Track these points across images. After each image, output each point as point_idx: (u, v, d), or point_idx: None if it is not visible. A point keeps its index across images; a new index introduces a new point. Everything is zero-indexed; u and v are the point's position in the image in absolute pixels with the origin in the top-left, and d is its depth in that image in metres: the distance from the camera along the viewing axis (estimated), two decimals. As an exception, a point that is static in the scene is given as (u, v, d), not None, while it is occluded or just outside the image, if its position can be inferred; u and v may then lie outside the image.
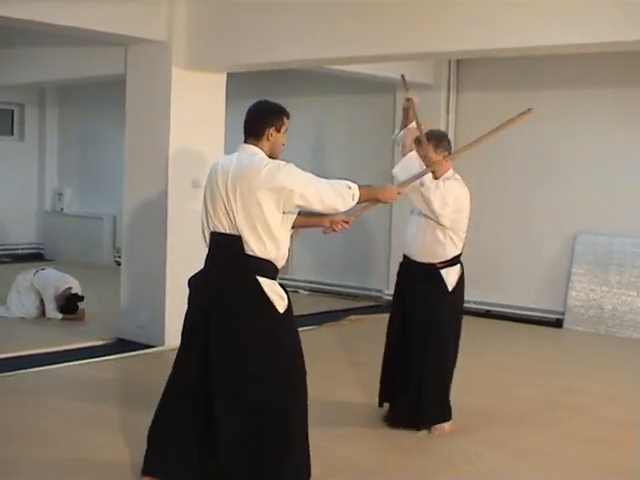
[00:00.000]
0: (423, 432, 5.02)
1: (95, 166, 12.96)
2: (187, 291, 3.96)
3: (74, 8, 6.26)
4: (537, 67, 8.76)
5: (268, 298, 3.74)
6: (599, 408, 5.81)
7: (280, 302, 3.78)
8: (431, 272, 5.03)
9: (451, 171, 5.05)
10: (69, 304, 8.20)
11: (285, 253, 3.85)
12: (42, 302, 8.29)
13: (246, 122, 3.94)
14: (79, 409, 5.39)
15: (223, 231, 3.79)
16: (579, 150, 8.79)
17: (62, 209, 13.34)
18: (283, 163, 3.77)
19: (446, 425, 5.07)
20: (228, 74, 7.39)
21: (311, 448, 3.85)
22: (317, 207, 3.81)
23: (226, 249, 3.80)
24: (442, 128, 9.35)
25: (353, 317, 8.83)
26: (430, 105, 9.32)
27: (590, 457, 4.80)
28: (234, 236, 3.75)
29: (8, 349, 6.83)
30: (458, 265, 5.10)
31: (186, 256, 6.48)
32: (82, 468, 4.35)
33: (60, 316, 8.17)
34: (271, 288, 3.77)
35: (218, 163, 3.91)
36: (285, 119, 3.95)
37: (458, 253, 5.08)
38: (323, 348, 7.33)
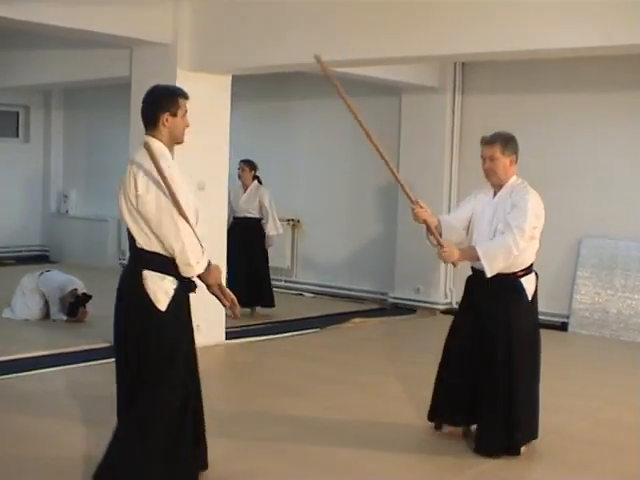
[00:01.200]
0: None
1: (100, 168, 12.96)
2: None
3: (79, 10, 6.27)
4: (542, 70, 8.74)
5: (147, 293, 3.65)
6: (602, 411, 5.81)
7: (163, 298, 3.66)
8: (511, 283, 4.72)
9: (515, 177, 4.85)
10: (78, 303, 8.20)
11: (178, 245, 3.61)
12: (47, 304, 8.30)
13: (141, 113, 3.78)
14: (82, 411, 5.39)
15: (128, 226, 3.76)
16: (585, 153, 8.77)
17: (67, 211, 13.36)
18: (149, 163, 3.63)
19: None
20: (233, 76, 7.39)
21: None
22: (154, 226, 3.62)
23: (130, 243, 3.80)
24: (447, 130, 9.39)
25: (357, 320, 8.81)
26: (436, 107, 9.33)
27: (592, 460, 4.80)
28: (129, 230, 3.75)
29: (12, 351, 6.84)
30: (534, 273, 4.85)
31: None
32: (84, 471, 4.34)
33: (65, 318, 8.18)
34: (156, 282, 3.66)
35: None
36: (180, 100, 3.75)
37: (534, 260, 4.84)
38: (325, 351, 7.32)
